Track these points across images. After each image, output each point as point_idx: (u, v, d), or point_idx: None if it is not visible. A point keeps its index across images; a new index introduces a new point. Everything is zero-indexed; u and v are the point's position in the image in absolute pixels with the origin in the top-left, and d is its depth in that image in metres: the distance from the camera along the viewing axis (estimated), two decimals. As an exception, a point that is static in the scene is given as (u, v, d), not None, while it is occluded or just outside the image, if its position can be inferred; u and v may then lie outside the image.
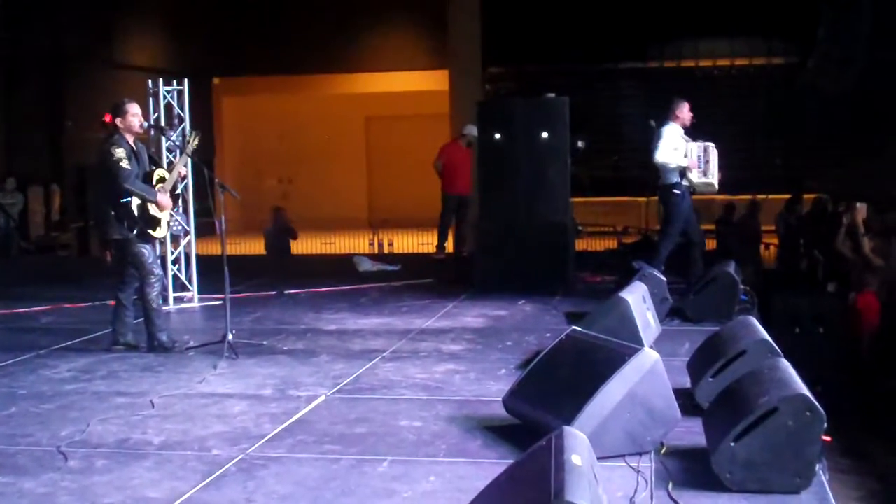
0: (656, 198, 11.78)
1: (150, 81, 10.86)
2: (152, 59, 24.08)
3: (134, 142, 8.14)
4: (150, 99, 10.74)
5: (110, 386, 7.03)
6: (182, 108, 10.83)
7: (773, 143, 24.52)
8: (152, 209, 8.10)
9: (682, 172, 10.38)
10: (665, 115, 10.63)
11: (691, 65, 25.46)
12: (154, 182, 8.17)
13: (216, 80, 28.04)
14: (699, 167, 10.48)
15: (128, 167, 7.91)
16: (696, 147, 10.49)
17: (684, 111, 10.54)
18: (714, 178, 10.58)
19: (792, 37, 23.64)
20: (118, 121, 8.07)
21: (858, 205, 11.20)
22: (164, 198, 8.17)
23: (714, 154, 10.54)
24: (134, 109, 8.15)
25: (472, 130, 14.42)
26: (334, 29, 25.97)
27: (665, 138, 10.39)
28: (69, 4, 20.50)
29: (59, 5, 20.17)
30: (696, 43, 25.20)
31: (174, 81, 10.89)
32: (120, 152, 7.91)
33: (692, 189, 10.53)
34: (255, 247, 20.28)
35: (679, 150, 10.38)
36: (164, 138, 10.59)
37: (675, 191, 10.38)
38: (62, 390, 6.91)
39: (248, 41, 26.27)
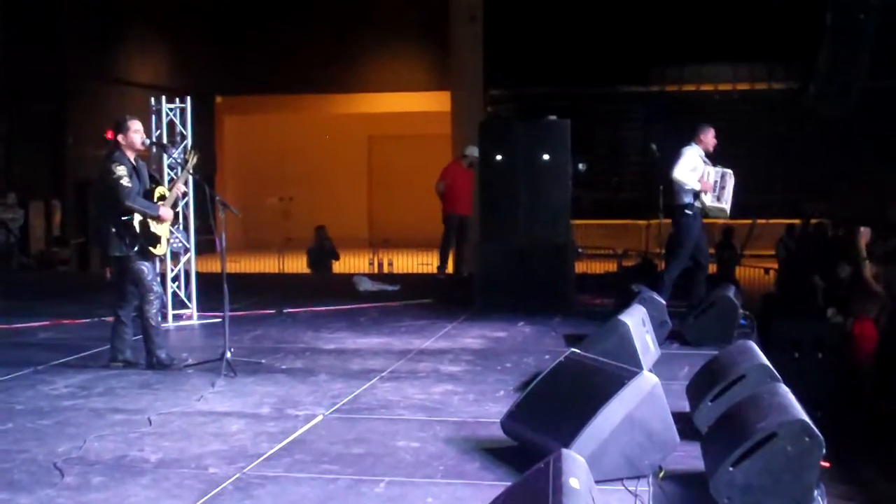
0: (657, 221, 11.79)
1: (152, 99, 10.88)
2: (155, 77, 24.14)
3: (135, 159, 8.15)
4: (153, 116, 10.76)
5: (108, 403, 7.01)
6: (184, 126, 10.84)
7: (773, 168, 24.56)
8: (153, 226, 8.09)
9: (696, 195, 10.39)
10: (689, 138, 10.68)
11: (693, 89, 25.53)
12: (155, 200, 8.17)
13: (219, 99, 28.13)
14: (714, 191, 10.50)
15: (128, 185, 7.90)
16: (713, 171, 10.52)
17: (709, 136, 10.59)
18: (727, 204, 10.60)
19: (793, 62, 23.68)
20: (120, 137, 8.06)
21: (862, 229, 11.18)
22: (166, 210, 8.17)
23: (731, 181, 10.58)
24: (136, 126, 8.14)
25: (473, 151, 14.43)
26: (337, 49, 26.07)
27: (685, 158, 10.42)
28: (73, 21, 20.57)
29: (62, 22, 20.24)
30: (698, 67, 25.28)
31: (177, 99, 10.91)
32: (121, 169, 7.90)
33: (704, 212, 10.56)
34: (255, 265, 20.31)
35: (697, 171, 10.40)
36: (165, 156, 10.61)
37: (687, 211, 10.40)
38: (59, 406, 6.89)
39: (251, 60, 26.37)
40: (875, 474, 8.82)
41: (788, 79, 24.58)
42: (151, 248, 8.12)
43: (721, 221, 19.79)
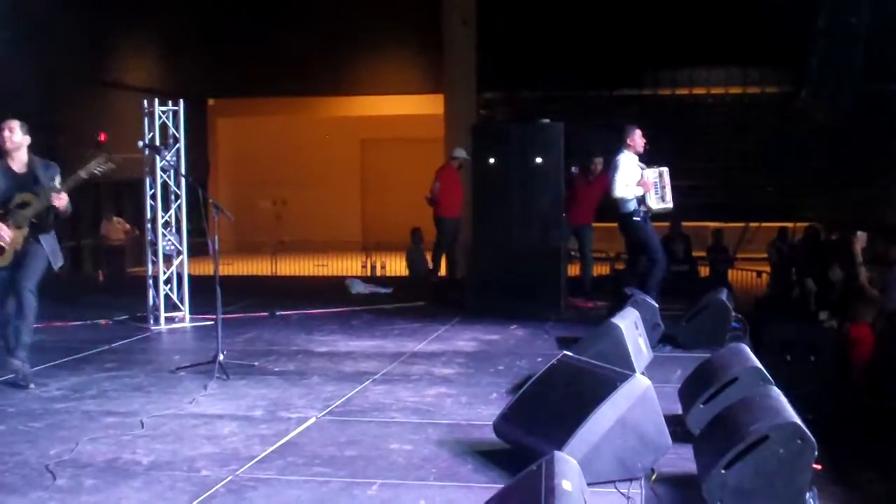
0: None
1: (145, 101, 10.87)
2: (148, 79, 24.10)
3: (29, 162, 7.66)
4: (146, 119, 10.75)
5: (100, 405, 7.00)
6: (177, 129, 10.84)
7: (765, 171, 24.59)
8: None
9: (640, 200, 10.53)
10: (618, 144, 10.73)
11: (685, 92, 25.53)
12: (12, 206, 7.58)
13: (211, 101, 28.09)
14: (657, 192, 10.62)
15: None
16: (651, 173, 10.63)
17: (636, 138, 10.65)
18: (670, 201, 10.74)
19: (785, 66, 23.74)
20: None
21: (859, 233, 11.19)
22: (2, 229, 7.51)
23: (668, 177, 10.71)
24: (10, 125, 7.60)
25: (461, 153, 14.48)
26: (330, 52, 26.03)
27: (621, 169, 10.51)
28: (64, 22, 20.53)
29: (54, 23, 20.20)
30: (690, 71, 25.28)
31: (169, 102, 10.91)
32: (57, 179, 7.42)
33: (650, 213, 10.63)
34: (247, 267, 20.28)
35: (635, 177, 10.50)
36: (158, 158, 10.61)
37: (635, 217, 10.53)
38: (52, 409, 6.88)
39: (244, 63, 26.31)
40: (867, 477, 8.83)
41: (781, 82, 24.61)
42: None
43: (713, 225, 19.85)
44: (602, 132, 23.30)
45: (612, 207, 10.78)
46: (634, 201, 10.50)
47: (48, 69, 20.17)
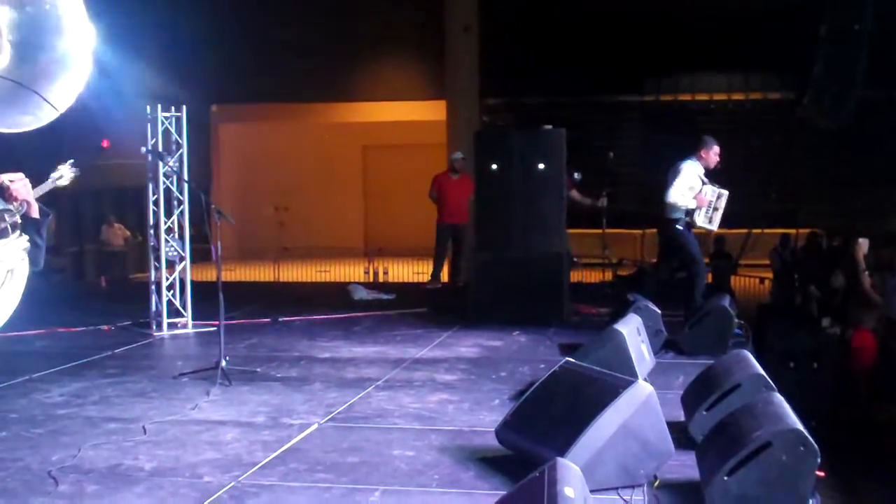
0: (654, 230, 11.68)
1: (148, 107, 10.88)
2: (150, 85, 24.10)
3: None
4: (148, 125, 10.76)
5: (102, 411, 7.00)
6: (180, 135, 10.85)
7: (768, 178, 24.59)
8: None
9: (690, 212, 10.20)
10: (690, 151, 10.36)
11: (688, 98, 25.55)
12: None
13: (214, 107, 28.10)
14: (707, 212, 10.26)
15: None
16: (711, 191, 10.24)
17: (711, 152, 10.27)
18: (716, 225, 10.43)
19: (788, 72, 23.75)
20: None
21: (860, 240, 11.18)
22: None
23: (723, 202, 10.34)
24: None
25: (456, 155, 14.52)
26: (332, 58, 26.05)
27: (682, 176, 10.13)
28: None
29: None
30: (693, 77, 25.30)
31: (172, 108, 10.91)
32: None
33: (693, 227, 10.41)
34: (250, 273, 20.28)
35: (694, 189, 10.15)
36: (161, 164, 10.61)
37: (678, 226, 10.25)
38: (54, 415, 6.88)
39: (247, 69, 26.33)
40: (869, 484, 8.83)
41: (783, 89, 24.63)
42: None
43: (716, 231, 19.85)
44: (604, 138, 23.42)
45: (657, 212, 10.48)
46: (682, 212, 10.18)
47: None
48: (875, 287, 11.19)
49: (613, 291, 12.86)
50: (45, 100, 5.14)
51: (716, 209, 10.32)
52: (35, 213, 6.37)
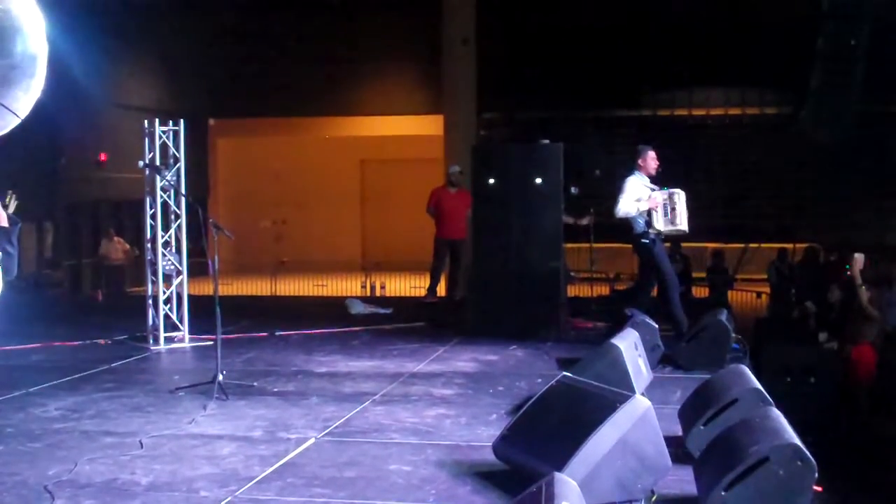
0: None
1: (146, 121, 10.89)
2: (148, 99, 24.15)
3: None
4: (146, 139, 10.76)
5: (99, 425, 6.99)
6: (177, 149, 10.85)
7: (764, 193, 24.64)
8: None
9: (648, 222, 10.17)
10: (630, 165, 10.43)
11: (685, 113, 25.62)
12: None
13: (212, 121, 28.15)
14: (665, 214, 10.21)
15: None
16: (660, 195, 10.22)
17: (648, 159, 10.32)
18: (683, 224, 10.31)
19: (785, 87, 23.83)
20: None
21: (856, 255, 11.18)
22: None
23: (680, 200, 10.28)
24: None
25: (453, 168, 14.53)
26: (330, 72, 26.12)
27: (627, 190, 10.18)
28: (65, 44, 20.57)
29: (55, 44, 20.25)
30: (689, 92, 25.37)
31: (170, 122, 10.92)
32: None
33: (662, 235, 10.40)
34: (247, 287, 20.28)
35: (642, 199, 10.15)
36: (158, 178, 10.61)
37: (644, 240, 10.24)
38: (51, 429, 6.87)
39: (245, 83, 26.41)
40: (866, 499, 8.81)
41: (780, 103, 24.71)
42: None
43: (713, 245, 19.86)
44: (601, 152, 23.46)
45: (625, 229, 10.49)
46: (643, 222, 10.17)
47: (50, 91, 20.22)
48: (873, 301, 11.19)
49: (599, 308, 12.84)
50: (6, 108, 5.11)
51: (673, 209, 10.25)
52: (4, 223, 6.46)
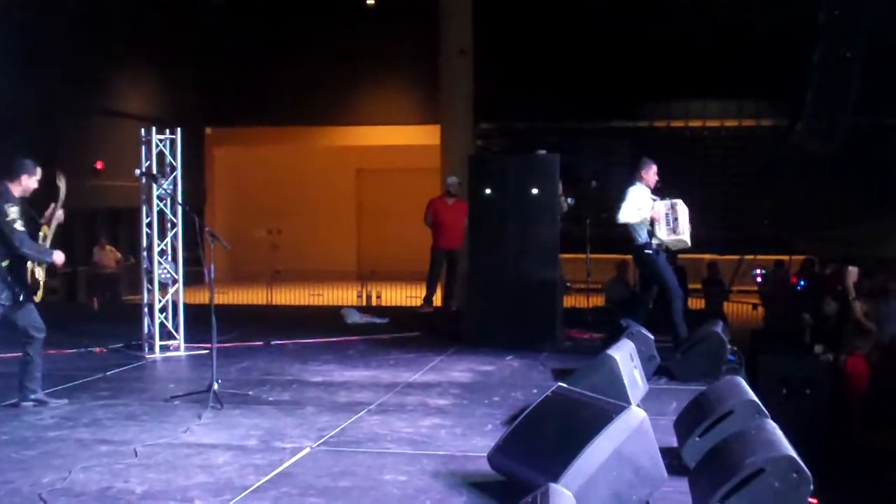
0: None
1: (143, 129, 10.89)
2: (145, 108, 24.15)
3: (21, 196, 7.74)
4: (143, 147, 10.76)
5: (94, 434, 6.98)
6: (174, 157, 10.85)
7: (761, 204, 24.67)
8: (37, 272, 7.80)
9: (650, 232, 10.20)
10: (631, 176, 10.47)
11: (681, 125, 25.66)
12: (40, 240, 7.85)
13: (208, 130, 28.17)
14: (668, 224, 10.24)
15: (22, 229, 7.56)
16: (662, 205, 10.26)
17: (650, 172, 10.35)
18: (685, 234, 10.33)
19: (781, 99, 23.87)
20: (23, 178, 7.75)
21: (850, 268, 11.20)
22: (59, 256, 7.86)
23: (682, 210, 10.31)
24: (39, 174, 7.83)
25: (451, 179, 14.54)
26: (327, 82, 26.15)
27: (628, 199, 10.19)
28: (62, 51, 20.58)
29: (52, 52, 20.25)
30: (686, 103, 25.42)
31: (167, 130, 10.92)
32: (14, 212, 7.53)
33: (664, 246, 10.40)
34: (243, 296, 20.26)
35: (643, 209, 10.18)
36: (155, 186, 10.61)
37: (647, 251, 10.26)
38: (45, 437, 6.86)
39: (241, 92, 26.45)
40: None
41: (776, 115, 24.74)
42: (34, 297, 7.83)
43: (708, 257, 19.86)
44: (597, 163, 23.50)
45: (625, 240, 10.51)
46: (645, 233, 10.18)
47: (47, 98, 20.22)
48: (868, 314, 11.20)
49: (593, 319, 12.84)
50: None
51: (675, 219, 10.27)
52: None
